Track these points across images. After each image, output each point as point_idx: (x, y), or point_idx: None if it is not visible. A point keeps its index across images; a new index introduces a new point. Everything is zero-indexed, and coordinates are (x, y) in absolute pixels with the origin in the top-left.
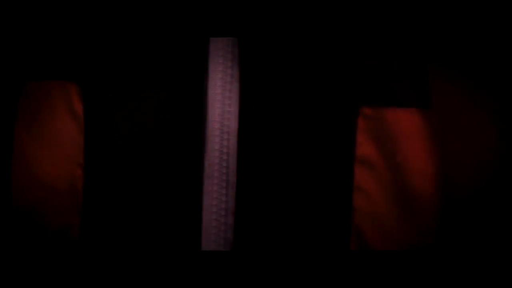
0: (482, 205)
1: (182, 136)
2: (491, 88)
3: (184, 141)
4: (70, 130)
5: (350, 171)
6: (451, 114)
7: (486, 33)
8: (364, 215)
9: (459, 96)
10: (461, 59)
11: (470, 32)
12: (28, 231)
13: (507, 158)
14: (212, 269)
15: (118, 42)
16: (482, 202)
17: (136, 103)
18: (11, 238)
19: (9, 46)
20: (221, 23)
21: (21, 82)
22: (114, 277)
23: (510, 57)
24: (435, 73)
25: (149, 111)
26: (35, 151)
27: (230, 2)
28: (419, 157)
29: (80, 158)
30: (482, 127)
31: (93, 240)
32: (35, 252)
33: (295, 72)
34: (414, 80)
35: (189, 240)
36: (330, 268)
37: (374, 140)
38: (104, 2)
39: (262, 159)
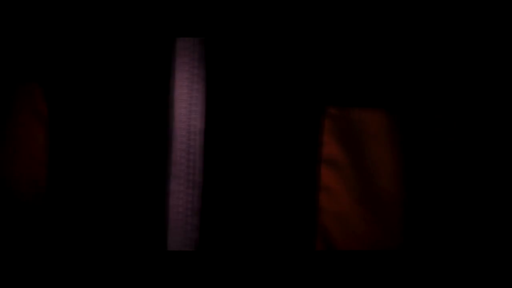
0: (449, 207)
1: (148, 136)
2: (458, 89)
3: (150, 141)
4: (34, 131)
5: (315, 171)
6: (417, 115)
7: (455, 36)
8: (330, 215)
9: (425, 97)
10: (428, 62)
11: (439, 35)
12: None
13: (473, 159)
14: (178, 269)
15: (83, 42)
16: (448, 203)
17: (101, 103)
18: None
19: None
20: (187, 23)
21: None
22: (78, 278)
23: (477, 60)
24: (401, 73)
25: (114, 111)
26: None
27: (196, 2)
28: (385, 158)
29: (44, 158)
30: (446, 129)
31: (57, 239)
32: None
33: (260, 72)
34: (380, 81)
35: (155, 240)
36: (296, 269)
37: (339, 140)
38: (67, 2)
39: (228, 159)
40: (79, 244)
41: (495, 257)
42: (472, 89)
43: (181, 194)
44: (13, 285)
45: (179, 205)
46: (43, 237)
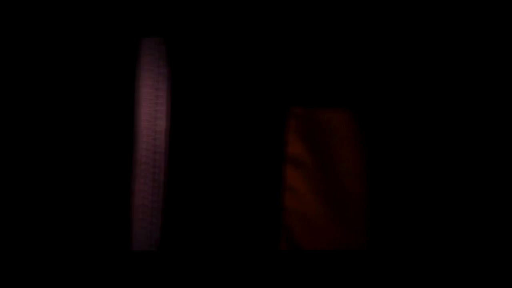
0: (412, 205)
1: (112, 135)
2: (420, 89)
3: (114, 140)
4: None
5: (280, 171)
6: (379, 115)
7: (414, 36)
8: (295, 215)
9: (387, 97)
10: (387, 62)
11: (399, 35)
12: None
13: (435, 158)
14: (141, 269)
15: (48, 40)
16: (411, 202)
17: (65, 102)
18: None
19: None
20: (151, 23)
21: None
22: (40, 279)
23: (436, 60)
24: (363, 73)
25: (78, 111)
26: None
27: (160, 3)
28: (348, 157)
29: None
30: (407, 129)
31: (19, 240)
32: None
33: (225, 72)
34: (343, 80)
35: (119, 239)
36: (260, 269)
37: (304, 140)
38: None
39: (192, 158)
40: (41, 244)
41: (459, 254)
42: (433, 88)
43: (146, 194)
44: None
45: (144, 205)
46: (5, 237)
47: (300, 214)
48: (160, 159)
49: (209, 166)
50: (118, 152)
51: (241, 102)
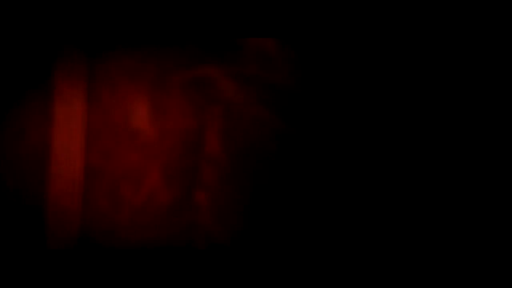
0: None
1: (29, 135)
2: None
3: (31, 140)
4: None
5: (196, 169)
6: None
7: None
8: (208, 213)
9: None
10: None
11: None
12: None
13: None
14: (57, 268)
15: None
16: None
17: None
18: None
19: None
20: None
21: None
22: None
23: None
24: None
25: None
26: None
27: (78, 17)
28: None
29: None
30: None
31: None
32: None
33: (140, 72)
34: None
35: (35, 238)
36: (177, 268)
37: (222, 139)
38: None
39: (110, 157)
40: None
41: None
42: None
43: (62, 193)
44: None
45: (61, 205)
46: None
47: (214, 212)
48: (77, 159)
49: (126, 167)
50: (36, 153)
51: (155, 102)
